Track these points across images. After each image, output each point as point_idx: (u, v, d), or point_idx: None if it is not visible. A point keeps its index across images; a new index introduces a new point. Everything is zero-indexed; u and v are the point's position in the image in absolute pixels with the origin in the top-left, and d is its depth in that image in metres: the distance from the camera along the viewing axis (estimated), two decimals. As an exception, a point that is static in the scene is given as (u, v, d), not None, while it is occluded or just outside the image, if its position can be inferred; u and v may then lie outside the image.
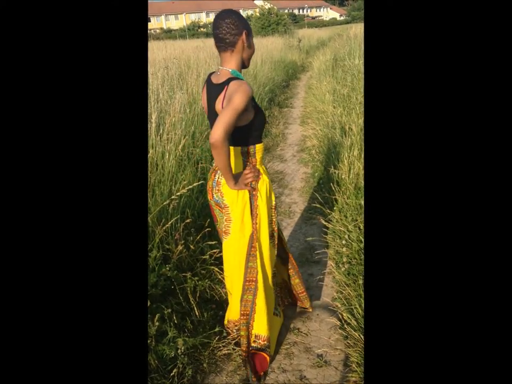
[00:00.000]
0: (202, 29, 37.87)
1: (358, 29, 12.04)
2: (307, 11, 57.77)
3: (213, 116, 1.43)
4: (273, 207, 1.60)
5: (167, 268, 1.71)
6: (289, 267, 1.87)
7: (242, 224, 1.54)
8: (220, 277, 2.01)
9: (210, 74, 1.51)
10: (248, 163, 1.51)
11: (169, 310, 1.62)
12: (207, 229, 2.05)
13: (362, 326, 1.72)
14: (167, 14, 48.57)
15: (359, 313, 1.79)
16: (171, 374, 1.50)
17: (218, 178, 1.53)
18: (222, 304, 1.96)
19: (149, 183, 2.25)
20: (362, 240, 2.18)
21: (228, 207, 1.53)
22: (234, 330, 1.74)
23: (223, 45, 1.40)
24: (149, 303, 1.52)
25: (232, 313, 1.73)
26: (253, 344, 1.62)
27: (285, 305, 2.01)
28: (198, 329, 1.74)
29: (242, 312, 1.59)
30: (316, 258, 2.47)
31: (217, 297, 1.96)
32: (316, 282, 2.23)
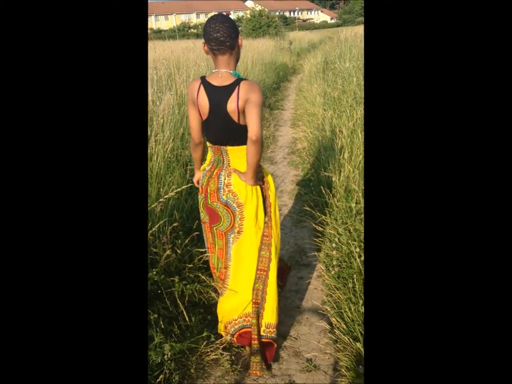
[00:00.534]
0: (192, 30, 37.80)
1: (348, 32, 12.12)
2: (298, 14, 58.08)
3: (219, 117, 1.47)
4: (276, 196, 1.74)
5: (154, 272, 1.68)
6: None
7: (256, 218, 1.62)
8: (208, 280, 1.98)
9: (203, 77, 1.51)
10: None
11: (156, 315, 1.59)
12: (196, 232, 2.02)
13: (352, 330, 1.71)
14: (157, 15, 48.35)
15: (348, 317, 1.78)
16: (157, 380, 1.47)
17: (225, 179, 1.58)
18: (210, 308, 1.93)
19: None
20: (352, 243, 2.17)
21: (242, 205, 1.58)
22: (232, 330, 1.71)
23: (223, 48, 1.44)
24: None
25: (233, 312, 1.70)
26: (262, 333, 1.65)
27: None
28: (186, 334, 1.71)
29: (253, 301, 1.64)
30: (306, 261, 2.46)
31: (205, 301, 1.93)
32: (306, 285, 2.21)
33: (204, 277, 1.82)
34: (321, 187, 2.93)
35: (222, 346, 1.69)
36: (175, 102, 3.39)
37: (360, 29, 13.85)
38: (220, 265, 1.74)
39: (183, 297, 1.82)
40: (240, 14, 38.04)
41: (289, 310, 2.02)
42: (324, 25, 43.89)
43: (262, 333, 1.65)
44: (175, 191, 1.88)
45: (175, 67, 4.67)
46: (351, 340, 1.64)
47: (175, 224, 1.93)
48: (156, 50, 6.42)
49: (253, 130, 1.39)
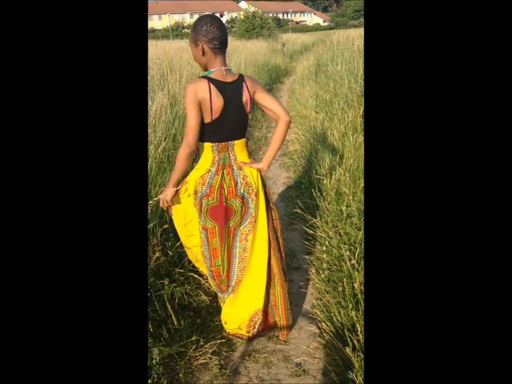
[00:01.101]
0: (186, 30, 37.67)
1: (340, 35, 12.18)
2: (291, 16, 58.25)
3: (234, 111, 1.55)
4: None
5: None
6: None
7: (266, 205, 1.70)
8: (198, 281, 1.97)
9: (208, 77, 1.50)
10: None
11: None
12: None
13: (341, 334, 1.71)
14: (151, 14, 48.11)
15: (338, 321, 1.78)
16: (145, 385, 1.45)
17: (239, 173, 1.63)
18: (200, 311, 1.92)
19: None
20: (342, 246, 2.18)
21: (257, 194, 1.65)
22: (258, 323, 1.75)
23: (224, 47, 1.53)
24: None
25: (248, 309, 1.74)
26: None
27: None
28: (175, 338, 1.69)
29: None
30: (296, 264, 2.46)
31: (195, 304, 1.92)
32: (296, 288, 2.21)
33: (195, 276, 1.81)
34: (313, 190, 2.94)
35: (211, 351, 1.68)
36: (168, 102, 3.36)
37: (352, 32, 13.93)
38: (226, 267, 1.71)
39: (172, 300, 1.80)
40: (234, 15, 38.03)
41: (279, 313, 2.02)
42: (316, 28, 44.10)
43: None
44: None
45: (168, 67, 4.65)
46: (340, 345, 1.64)
47: (166, 226, 1.91)
48: (149, 50, 6.38)
49: (283, 111, 1.59)
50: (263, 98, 1.60)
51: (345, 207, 2.58)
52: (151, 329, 1.59)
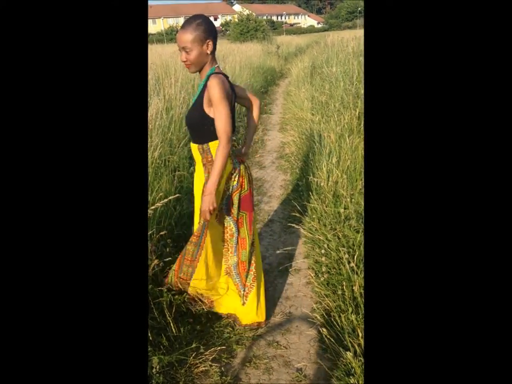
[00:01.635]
0: (180, 34, 37.53)
1: (335, 37, 12.21)
2: (285, 18, 58.38)
3: (233, 107, 1.62)
4: None
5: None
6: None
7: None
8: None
9: (220, 72, 1.56)
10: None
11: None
12: (185, 241, 2.00)
13: (341, 339, 1.70)
14: (145, 18, 47.93)
15: (338, 325, 1.77)
16: (145, 394, 1.43)
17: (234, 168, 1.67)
18: (199, 318, 1.90)
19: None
20: (341, 249, 2.17)
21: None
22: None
23: None
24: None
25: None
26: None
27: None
28: (174, 346, 1.68)
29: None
30: (295, 267, 2.45)
31: (194, 310, 1.90)
32: (295, 292, 2.20)
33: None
34: (310, 192, 2.93)
35: (211, 358, 1.66)
36: (163, 106, 3.35)
37: (346, 34, 13.97)
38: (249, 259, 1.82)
39: (171, 307, 1.79)
40: (228, 18, 38.09)
41: (279, 317, 2.00)
42: (310, 30, 44.24)
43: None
44: (165, 200, 1.84)
45: (163, 71, 4.63)
46: (341, 349, 1.63)
47: (163, 232, 1.89)
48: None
49: (254, 97, 1.81)
50: (238, 89, 1.73)
51: (343, 209, 2.58)
52: (151, 338, 1.57)
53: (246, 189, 1.71)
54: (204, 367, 1.64)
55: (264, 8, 53.06)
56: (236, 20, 22.83)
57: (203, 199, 1.53)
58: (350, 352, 1.51)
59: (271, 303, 2.07)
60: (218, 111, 1.47)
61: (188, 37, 1.46)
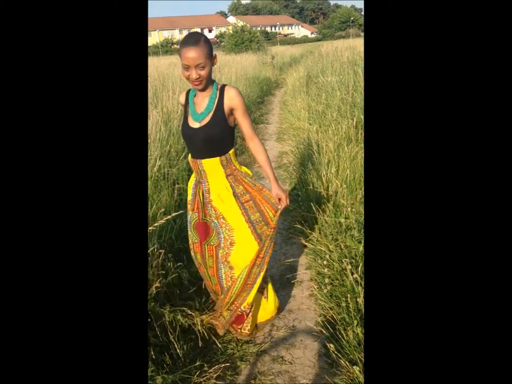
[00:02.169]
0: (175, 46, 37.95)
1: (329, 47, 12.34)
2: (279, 29, 59.04)
3: None
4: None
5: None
6: None
7: (241, 224, 1.69)
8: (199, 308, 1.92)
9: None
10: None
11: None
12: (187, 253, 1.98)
13: (348, 353, 1.67)
14: (140, 31, 48.29)
15: (343, 339, 1.74)
16: (149, 415, 1.40)
17: (204, 191, 1.69)
18: (202, 333, 1.87)
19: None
20: (343, 260, 2.15)
21: (223, 217, 1.68)
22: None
23: None
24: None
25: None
26: (242, 308, 1.79)
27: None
28: (178, 364, 1.64)
29: (249, 282, 1.74)
30: (297, 279, 2.42)
31: (195, 327, 1.87)
32: (299, 305, 2.17)
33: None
34: (310, 202, 2.92)
35: (215, 375, 1.63)
36: (161, 119, 3.35)
37: (340, 43, 14.12)
38: (214, 281, 1.84)
39: (173, 324, 1.76)
40: (223, 29, 38.45)
41: (283, 331, 1.97)
42: (304, 40, 44.70)
43: (241, 307, 1.81)
44: (168, 217, 1.82)
45: (160, 83, 4.64)
46: (347, 363, 1.60)
47: (162, 250, 1.87)
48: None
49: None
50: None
51: (344, 219, 2.56)
52: (153, 356, 1.54)
53: (196, 216, 1.75)
54: (208, 385, 1.60)
55: (258, 19, 53.67)
56: (231, 32, 23.05)
57: (283, 194, 1.68)
58: (357, 366, 1.48)
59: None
60: (246, 118, 1.61)
61: (201, 53, 1.46)
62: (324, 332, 1.88)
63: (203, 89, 1.58)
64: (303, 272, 2.45)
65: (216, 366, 1.67)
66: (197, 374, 1.62)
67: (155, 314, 1.68)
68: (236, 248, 1.70)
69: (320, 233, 2.61)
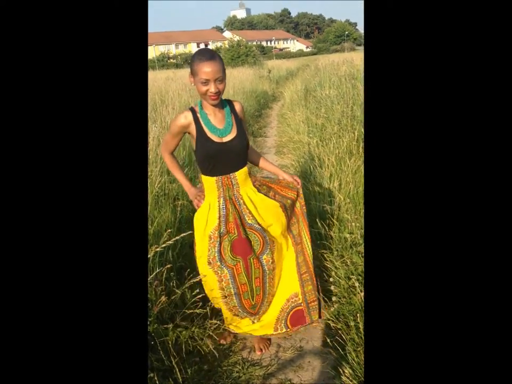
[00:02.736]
0: (171, 60, 38.32)
1: (325, 60, 12.47)
2: (275, 43, 59.84)
3: None
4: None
5: (148, 322, 1.55)
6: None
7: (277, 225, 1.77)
8: (205, 325, 1.85)
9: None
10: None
11: (150, 372, 1.45)
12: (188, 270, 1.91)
13: (359, 375, 1.61)
14: (137, 45, 48.74)
15: (354, 360, 1.68)
16: None
17: (240, 204, 1.69)
18: (206, 356, 1.80)
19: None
20: (351, 277, 2.10)
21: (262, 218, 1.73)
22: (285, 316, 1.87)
23: None
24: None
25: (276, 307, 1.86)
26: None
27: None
28: (182, 389, 1.57)
29: (309, 301, 1.89)
30: (302, 297, 2.35)
31: (200, 348, 1.80)
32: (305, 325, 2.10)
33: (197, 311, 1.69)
34: (313, 217, 2.87)
35: (222, 401, 1.56)
36: (161, 134, 3.32)
37: (335, 57, 14.29)
38: (258, 292, 1.78)
39: (177, 345, 1.69)
40: (219, 44, 38.91)
41: (290, 353, 1.91)
42: (300, 54, 45.31)
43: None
44: (170, 242, 1.76)
45: (159, 98, 4.63)
46: (360, 387, 1.53)
47: (168, 266, 1.81)
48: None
49: None
50: None
51: (349, 235, 2.51)
52: (157, 382, 1.47)
53: (235, 234, 1.69)
54: (214, 412, 1.53)
55: (254, 34, 54.42)
56: (227, 46, 23.31)
57: (294, 176, 1.90)
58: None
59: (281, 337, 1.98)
60: (246, 128, 1.72)
61: (220, 66, 1.48)
62: (333, 353, 1.81)
63: (217, 104, 1.59)
64: (308, 289, 2.38)
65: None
66: (203, 400, 1.55)
67: (158, 336, 1.62)
68: (276, 245, 1.79)
69: (325, 249, 2.56)
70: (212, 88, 1.48)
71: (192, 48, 44.62)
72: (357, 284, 1.99)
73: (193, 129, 1.59)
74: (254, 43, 35.32)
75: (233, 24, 57.74)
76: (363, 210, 2.78)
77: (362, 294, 1.91)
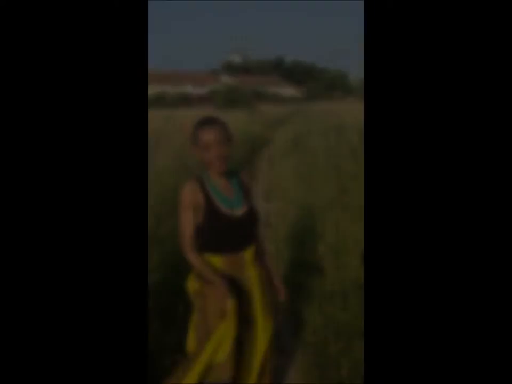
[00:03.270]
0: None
1: (316, 108, 12.93)
2: (268, 88, 61.68)
3: None
4: None
5: None
6: None
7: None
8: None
9: None
10: None
11: None
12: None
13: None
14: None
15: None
16: None
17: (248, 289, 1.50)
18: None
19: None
20: (329, 327, 2.14)
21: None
22: None
23: None
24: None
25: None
26: None
27: None
28: None
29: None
30: (281, 347, 2.38)
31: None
32: (282, 374, 2.12)
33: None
34: (295, 266, 2.93)
35: None
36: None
37: (326, 105, 14.83)
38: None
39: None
40: (214, 88, 40.02)
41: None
42: (291, 100, 46.72)
43: None
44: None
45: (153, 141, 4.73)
46: None
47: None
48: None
49: None
50: None
51: (329, 285, 2.58)
52: None
53: None
54: None
55: (249, 79, 56.22)
56: (222, 89, 24.11)
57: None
58: None
59: None
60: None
61: (224, 130, 1.42)
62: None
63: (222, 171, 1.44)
64: (287, 339, 2.41)
65: None
66: None
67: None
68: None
69: (306, 301, 2.61)
70: (216, 153, 1.38)
71: (188, 89, 45.28)
72: (332, 336, 2.03)
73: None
74: (249, 88, 36.48)
75: (229, 67, 59.90)
76: (344, 261, 2.87)
77: (338, 344, 1.94)
